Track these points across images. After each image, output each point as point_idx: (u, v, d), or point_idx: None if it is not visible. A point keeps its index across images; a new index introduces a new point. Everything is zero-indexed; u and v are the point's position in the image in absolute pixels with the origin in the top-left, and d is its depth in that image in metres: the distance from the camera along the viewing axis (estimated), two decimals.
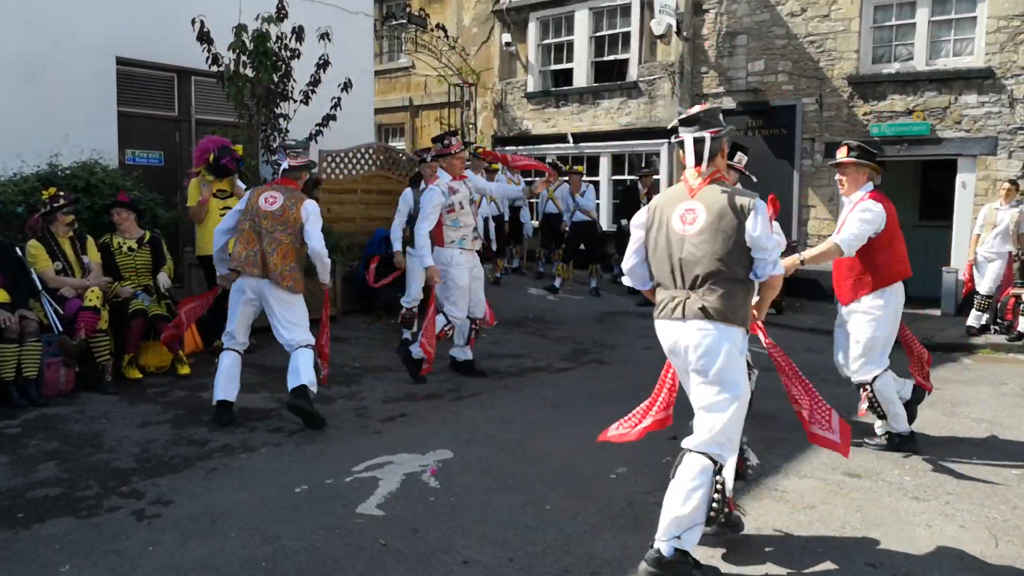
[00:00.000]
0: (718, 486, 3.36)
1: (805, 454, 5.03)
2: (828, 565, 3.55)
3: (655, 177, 12.31)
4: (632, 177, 13.00)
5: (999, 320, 9.32)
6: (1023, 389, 6.98)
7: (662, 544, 3.32)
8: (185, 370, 6.65)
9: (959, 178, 11.14)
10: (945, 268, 10.99)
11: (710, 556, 3.59)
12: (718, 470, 3.38)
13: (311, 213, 5.43)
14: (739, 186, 3.98)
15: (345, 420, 5.61)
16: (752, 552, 3.66)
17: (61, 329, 6.01)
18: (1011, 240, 9.33)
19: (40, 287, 6.11)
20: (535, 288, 11.72)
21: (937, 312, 10.90)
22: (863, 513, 4.13)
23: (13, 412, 5.50)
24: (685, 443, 3.47)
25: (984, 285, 9.40)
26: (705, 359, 3.41)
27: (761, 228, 3.38)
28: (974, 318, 9.38)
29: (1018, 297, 9.04)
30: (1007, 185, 9.51)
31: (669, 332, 3.56)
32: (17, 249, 6.17)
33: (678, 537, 3.30)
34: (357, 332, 8.58)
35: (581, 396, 6.36)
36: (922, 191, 13.26)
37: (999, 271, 9.36)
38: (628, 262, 3.83)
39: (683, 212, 3.51)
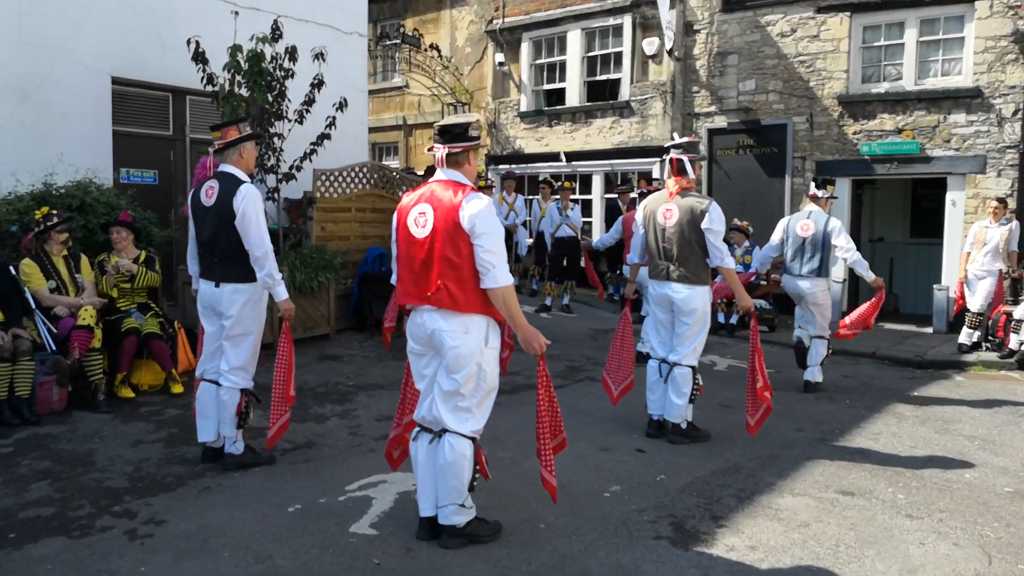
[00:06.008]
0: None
1: (799, 472, 5.04)
2: None
3: (631, 195, 12.08)
4: (611, 195, 13.26)
5: (990, 337, 9.37)
6: (1015, 406, 7.01)
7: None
8: (178, 389, 6.63)
9: (949, 196, 11.22)
10: (936, 286, 11.06)
11: (706, 574, 3.59)
12: None
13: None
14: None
15: (339, 439, 5.60)
16: (746, 571, 3.66)
17: (54, 348, 6.00)
18: (1001, 258, 9.42)
19: (33, 305, 6.11)
20: (528, 306, 11.73)
21: (929, 330, 10.97)
22: (856, 531, 4.14)
23: (5, 431, 5.48)
24: None
25: (975, 303, 9.45)
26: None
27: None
28: (965, 335, 9.43)
29: (1009, 314, 9.09)
30: (995, 203, 9.59)
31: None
32: (11, 268, 6.17)
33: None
34: (350, 350, 8.58)
35: (575, 414, 6.36)
36: (912, 209, 13.39)
37: (990, 288, 9.42)
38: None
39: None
